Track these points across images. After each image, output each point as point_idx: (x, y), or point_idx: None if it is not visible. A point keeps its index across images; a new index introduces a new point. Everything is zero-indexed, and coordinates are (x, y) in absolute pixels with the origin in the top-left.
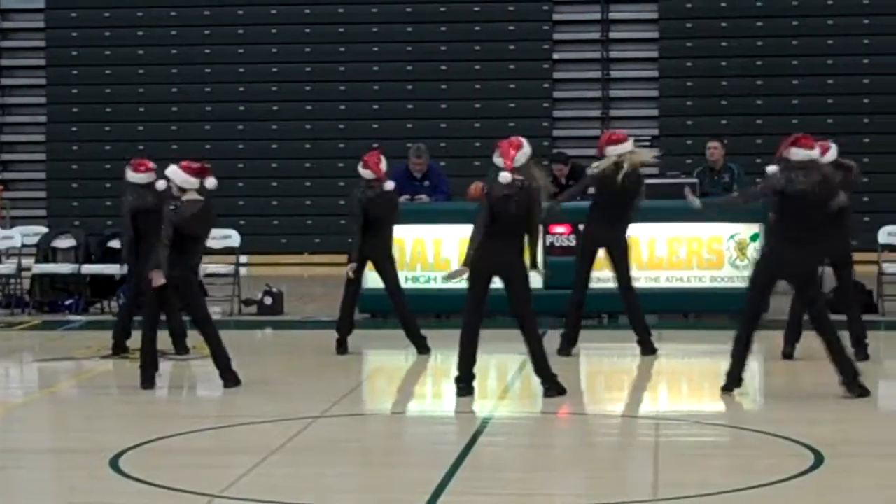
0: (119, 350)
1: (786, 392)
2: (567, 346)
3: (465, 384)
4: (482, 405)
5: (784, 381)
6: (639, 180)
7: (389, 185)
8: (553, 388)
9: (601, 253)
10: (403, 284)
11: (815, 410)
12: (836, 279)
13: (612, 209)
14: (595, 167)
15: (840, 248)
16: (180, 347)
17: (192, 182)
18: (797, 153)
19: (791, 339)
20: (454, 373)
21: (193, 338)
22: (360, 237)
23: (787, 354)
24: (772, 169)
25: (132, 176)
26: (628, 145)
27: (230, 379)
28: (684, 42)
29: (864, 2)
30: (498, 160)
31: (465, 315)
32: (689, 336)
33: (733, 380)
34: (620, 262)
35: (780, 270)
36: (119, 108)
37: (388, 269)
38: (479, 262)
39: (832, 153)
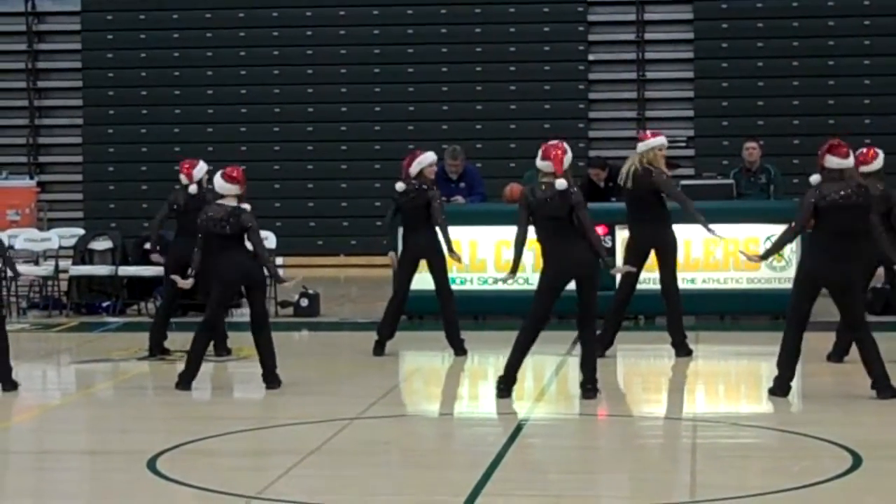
0: (157, 351)
1: (824, 394)
2: (601, 349)
3: (506, 386)
4: (520, 407)
5: (822, 383)
6: (650, 178)
7: (399, 185)
8: (593, 391)
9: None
10: None
11: (853, 412)
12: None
13: (641, 209)
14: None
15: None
16: (220, 349)
17: (228, 188)
18: (830, 161)
19: (840, 351)
20: (498, 372)
21: (233, 340)
22: (388, 230)
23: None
24: (815, 178)
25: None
26: (644, 144)
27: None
28: (720, 43)
29: None
30: (544, 164)
31: (531, 320)
32: (726, 337)
33: (782, 386)
34: (665, 261)
35: (819, 280)
36: (155, 110)
37: (433, 267)
38: (556, 268)
39: (879, 161)
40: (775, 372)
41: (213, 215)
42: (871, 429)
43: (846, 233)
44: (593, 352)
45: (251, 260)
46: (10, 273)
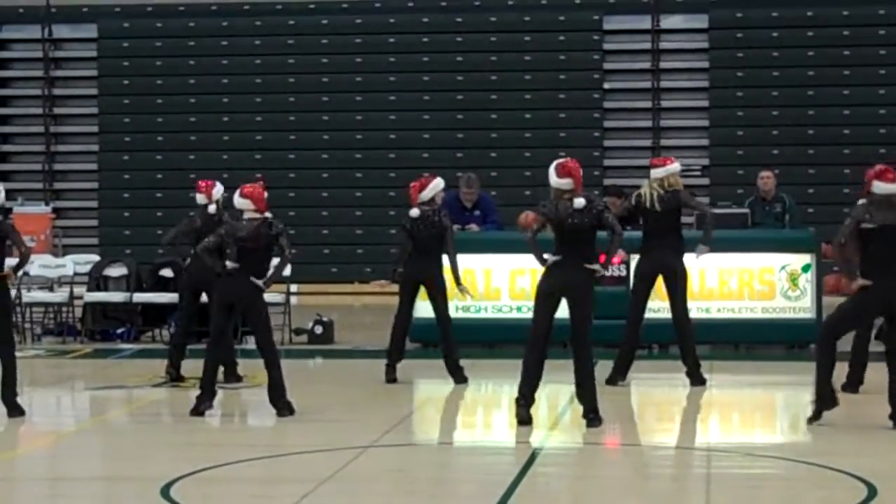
0: (177, 377)
1: (839, 424)
2: (616, 377)
3: (525, 407)
4: (534, 436)
5: (837, 413)
6: (673, 199)
7: (414, 212)
8: (597, 419)
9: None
10: (453, 314)
11: (868, 442)
12: None
13: (663, 234)
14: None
15: None
16: (230, 376)
17: (243, 203)
18: (879, 187)
19: (855, 381)
20: (511, 401)
21: (244, 366)
22: (400, 257)
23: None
24: (861, 203)
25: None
26: (664, 170)
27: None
28: (735, 72)
29: None
30: (565, 181)
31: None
32: (740, 367)
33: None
34: (677, 289)
35: (876, 306)
36: (170, 137)
37: (435, 293)
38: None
39: None
40: (804, 399)
41: (242, 232)
42: (887, 459)
43: (890, 256)
44: (589, 379)
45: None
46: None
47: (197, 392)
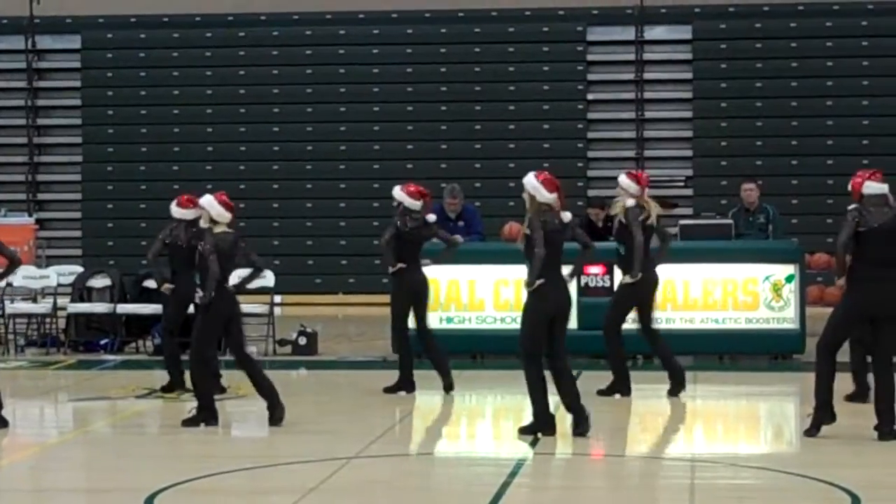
0: (175, 387)
1: (827, 434)
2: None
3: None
4: (517, 446)
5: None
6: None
7: (431, 217)
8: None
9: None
10: (437, 325)
11: (852, 453)
12: None
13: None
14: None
15: None
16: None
17: (226, 216)
18: (871, 187)
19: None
20: (496, 411)
21: (229, 378)
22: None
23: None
24: (851, 208)
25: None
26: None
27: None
28: (718, 83)
29: None
30: (552, 196)
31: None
32: (724, 377)
33: (827, 415)
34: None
35: (867, 310)
36: (154, 148)
37: (425, 302)
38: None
39: None
40: (789, 409)
41: (225, 245)
42: (874, 471)
43: (887, 258)
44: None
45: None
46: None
47: (195, 406)
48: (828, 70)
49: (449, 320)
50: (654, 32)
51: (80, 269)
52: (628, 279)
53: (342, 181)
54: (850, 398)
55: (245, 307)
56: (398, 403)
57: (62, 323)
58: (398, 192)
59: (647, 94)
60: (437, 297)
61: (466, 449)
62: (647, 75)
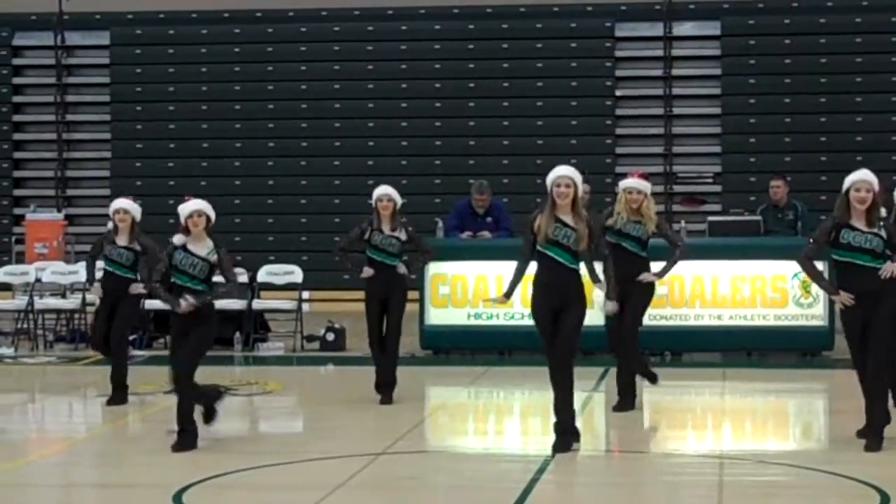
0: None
1: (851, 431)
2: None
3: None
4: (545, 443)
5: (849, 421)
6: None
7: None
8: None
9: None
10: (465, 321)
11: (884, 451)
12: None
13: None
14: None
15: None
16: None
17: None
18: None
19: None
20: (523, 407)
21: (260, 374)
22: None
23: None
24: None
25: None
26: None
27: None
28: (747, 79)
29: None
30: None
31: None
32: (752, 374)
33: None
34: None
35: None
36: (182, 144)
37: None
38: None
39: None
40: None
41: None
42: None
43: None
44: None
45: None
46: None
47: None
48: (857, 66)
49: (477, 316)
50: (683, 28)
51: None
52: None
53: (370, 177)
54: None
55: (273, 303)
56: (426, 400)
57: (90, 319)
58: None
59: (676, 91)
60: (464, 293)
61: (494, 445)
62: (675, 71)
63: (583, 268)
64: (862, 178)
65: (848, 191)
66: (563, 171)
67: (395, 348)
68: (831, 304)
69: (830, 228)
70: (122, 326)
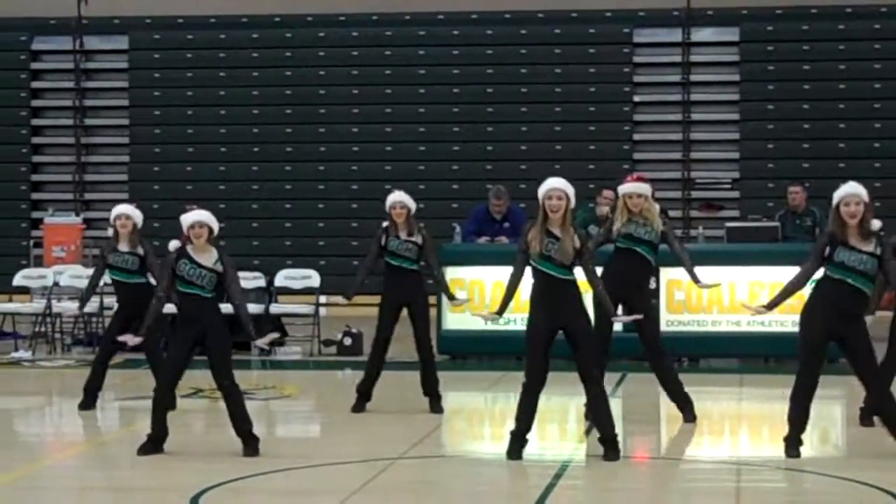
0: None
1: (869, 438)
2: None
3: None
4: (562, 448)
5: (869, 428)
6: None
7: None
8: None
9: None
10: (483, 326)
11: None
12: None
13: None
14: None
15: None
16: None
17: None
18: None
19: None
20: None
21: (277, 378)
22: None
23: None
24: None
25: None
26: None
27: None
28: (766, 85)
29: None
30: None
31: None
32: (770, 380)
33: None
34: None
35: None
36: (201, 148)
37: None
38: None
39: None
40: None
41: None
42: None
43: None
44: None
45: None
46: None
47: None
48: (875, 73)
49: (495, 321)
50: (701, 34)
51: None
52: None
53: (387, 182)
54: None
55: (291, 307)
56: (443, 404)
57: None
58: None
59: (694, 97)
60: (482, 298)
61: None
62: (693, 77)
63: (580, 273)
64: (850, 192)
65: (838, 206)
66: (555, 184)
67: (431, 355)
68: None
69: (825, 245)
70: (152, 340)
